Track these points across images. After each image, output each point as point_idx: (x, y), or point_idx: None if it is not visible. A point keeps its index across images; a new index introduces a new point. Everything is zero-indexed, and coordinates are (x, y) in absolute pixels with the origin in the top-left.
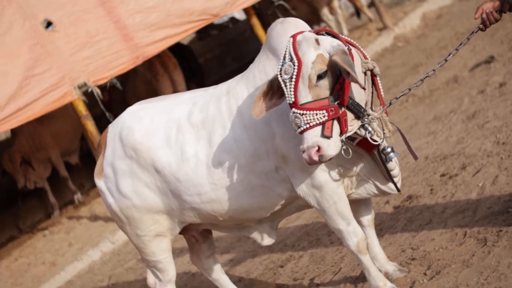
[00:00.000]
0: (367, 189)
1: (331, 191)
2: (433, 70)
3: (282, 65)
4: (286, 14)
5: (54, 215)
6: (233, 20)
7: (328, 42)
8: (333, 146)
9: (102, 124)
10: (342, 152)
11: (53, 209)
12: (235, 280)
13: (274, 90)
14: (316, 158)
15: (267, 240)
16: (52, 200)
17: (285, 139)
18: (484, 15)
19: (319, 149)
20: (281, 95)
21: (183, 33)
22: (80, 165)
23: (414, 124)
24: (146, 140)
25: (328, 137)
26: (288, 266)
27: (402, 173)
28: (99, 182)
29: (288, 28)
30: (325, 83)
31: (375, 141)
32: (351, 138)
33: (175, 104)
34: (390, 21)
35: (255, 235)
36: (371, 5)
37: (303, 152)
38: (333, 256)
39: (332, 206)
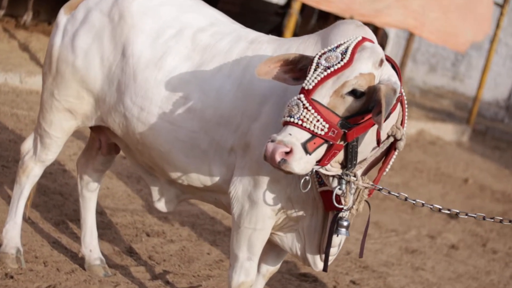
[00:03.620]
0: (293, 243)
1: (261, 215)
2: (440, 210)
3: (328, 51)
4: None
5: None
6: None
7: (389, 73)
8: (303, 164)
9: None
10: (301, 181)
11: None
12: (98, 211)
13: (296, 68)
14: (278, 157)
15: (161, 205)
16: (5, 2)
17: (264, 130)
18: None
19: (288, 153)
20: (298, 78)
21: None
22: None
23: None
24: (138, 16)
25: (307, 152)
26: (154, 240)
27: None
28: (62, 17)
29: (359, 33)
30: (351, 102)
31: (339, 203)
32: (320, 181)
33: (194, 11)
34: None
35: (155, 191)
36: None
37: (271, 141)
38: (203, 268)
39: (249, 230)
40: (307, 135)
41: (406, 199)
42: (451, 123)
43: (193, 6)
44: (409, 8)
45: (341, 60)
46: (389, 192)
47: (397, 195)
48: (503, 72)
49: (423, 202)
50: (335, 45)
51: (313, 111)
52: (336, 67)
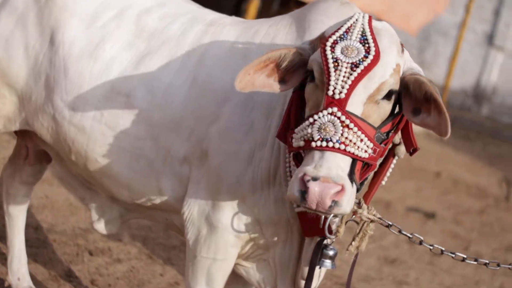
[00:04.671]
0: (262, 275)
1: (222, 243)
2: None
3: (340, 39)
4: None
5: None
6: None
7: (409, 58)
8: (351, 201)
9: None
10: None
11: None
12: (33, 225)
13: (280, 66)
14: (329, 202)
15: (101, 227)
16: None
17: (223, 136)
18: None
19: (339, 192)
20: (283, 81)
21: None
22: None
23: None
24: None
25: (353, 183)
26: (98, 260)
27: None
28: None
29: (345, 13)
30: (386, 107)
31: (329, 232)
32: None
33: None
34: None
35: (94, 209)
36: None
37: (312, 180)
38: None
39: (208, 260)
40: (349, 162)
41: (421, 242)
42: None
43: None
44: None
45: (367, 52)
46: (400, 232)
47: (410, 236)
48: (471, 60)
49: (442, 248)
50: (343, 29)
51: (356, 129)
52: (365, 64)
